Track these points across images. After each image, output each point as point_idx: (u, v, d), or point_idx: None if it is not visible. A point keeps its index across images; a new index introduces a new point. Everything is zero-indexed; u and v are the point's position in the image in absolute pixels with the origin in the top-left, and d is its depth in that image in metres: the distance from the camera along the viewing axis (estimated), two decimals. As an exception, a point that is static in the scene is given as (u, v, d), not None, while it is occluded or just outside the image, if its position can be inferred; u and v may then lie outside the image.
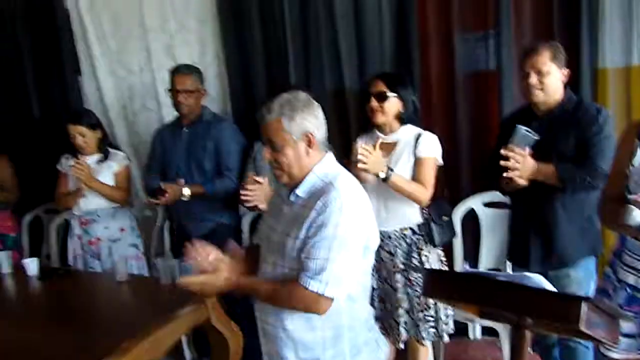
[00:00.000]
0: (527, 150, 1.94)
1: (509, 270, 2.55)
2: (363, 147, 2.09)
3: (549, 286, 1.30)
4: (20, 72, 3.75)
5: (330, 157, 1.60)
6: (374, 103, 2.26)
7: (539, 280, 1.31)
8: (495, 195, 2.58)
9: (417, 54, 2.76)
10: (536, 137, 1.94)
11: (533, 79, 2.03)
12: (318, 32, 2.90)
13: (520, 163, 1.93)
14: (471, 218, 2.76)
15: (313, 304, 1.45)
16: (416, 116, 2.36)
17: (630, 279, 1.64)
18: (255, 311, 1.67)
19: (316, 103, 1.57)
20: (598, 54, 2.46)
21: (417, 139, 2.26)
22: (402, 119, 2.30)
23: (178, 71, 2.77)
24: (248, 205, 2.31)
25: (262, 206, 2.28)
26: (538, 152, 2.00)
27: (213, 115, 2.83)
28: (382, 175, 2.11)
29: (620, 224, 1.52)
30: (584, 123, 2.00)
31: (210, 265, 1.59)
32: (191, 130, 2.78)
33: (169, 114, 3.24)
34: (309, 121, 1.52)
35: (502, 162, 1.95)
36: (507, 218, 2.57)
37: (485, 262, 2.73)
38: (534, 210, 2.12)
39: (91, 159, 2.94)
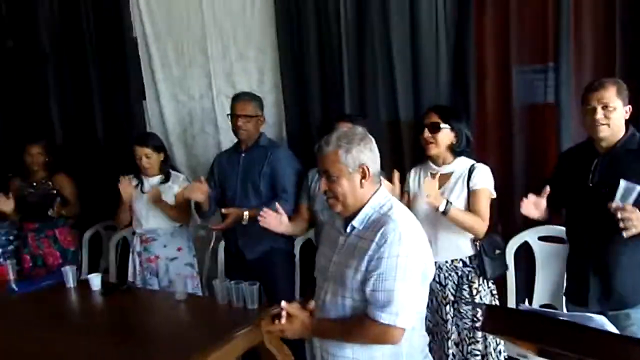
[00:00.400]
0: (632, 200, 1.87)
1: (564, 308, 2.51)
2: (429, 181, 2.15)
3: (611, 328, 1.28)
4: (89, 96, 3.99)
5: (383, 189, 1.66)
6: (427, 134, 2.31)
7: (601, 321, 1.30)
8: (551, 229, 2.56)
9: (473, 86, 2.78)
10: (639, 188, 1.86)
11: (599, 114, 2.00)
12: (374, 63, 2.97)
13: (634, 218, 1.84)
14: (525, 252, 2.72)
15: (386, 336, 1.50)
16: (469, 148, 2.39)
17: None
18: (313, 340, 1.71)
19: (371, 137, 1.64)
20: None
21: (470, 171, 2.29)
22: (455, 151, 2.34)
23: (239, 98, 2.89)
24: (262, 224, 2.46)
25: (279, 230, 2.51)
26: (598, 190, 1.98)
27: (269, 141, 2.93)
28: (442, 208, 2.14)
29: None
30: None
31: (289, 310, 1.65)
32: (248, 155, 2.88)
33: (226, 139, 3.38)
34: (365, 154, 1.58)
35: (620, 223, 1.86)
36: (562, 253, 2.55)
37: (539, 298, 2.68)
38: (594, 248, 2.08)
39: (153, 180, 3.09)
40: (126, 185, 3.04)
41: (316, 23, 3.10)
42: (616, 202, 1.84)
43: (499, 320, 1.39)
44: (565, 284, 2.46)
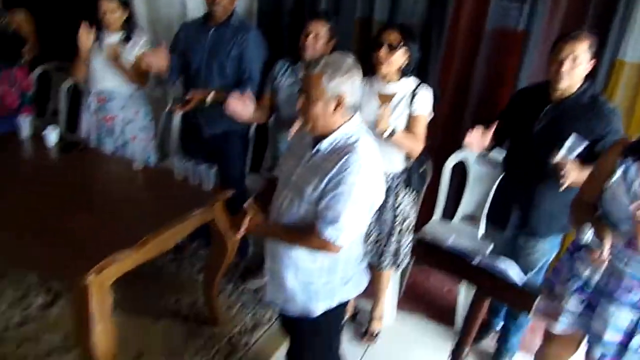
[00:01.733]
0: (575, 154, 2.01)
1: (482, 224, 2.86)
2: (385, 110, 2.22)
3: (513, 276, 1.56)
4: None
5: (356, 119, 1.76)
6: (384, 52, 2.29)
7: (506, 268, 1.57)
8: (490, 153, 2.77)
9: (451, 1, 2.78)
10: (585, 144, 1.99)
11: (566, 65, 2.06)
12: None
13: (573, 172, 1.99)
14: (461, 169, 2.98)
15: (325, 249, 1.70)
16: (415, 69, 2.40)
17: (583, 271, 1.91)
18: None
19: (358, 70, 1.70)
20: (620, 47, 2.52)
21: (413, 94, 2.35)
22: (403, 72, 2.37)
23: None
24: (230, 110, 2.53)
25: (243, 118, 2.57)
26: (542, 138, 2.16)
27: (240, 22, 2.85)
28: (388, 132, 2.25)
29: (576, 228, 1.74)
30: (595, 119, 2.08)
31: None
32: (217, 32, 2.82)
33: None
34: (346, 85, 1.66)
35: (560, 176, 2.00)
36: (493, 175, 2.83)
37: (463, 210, 3.01)
38: (524, 183, 2.29)
39: (114, 38, 2.99)
40: (85, 36, 2.91)
41: None
42: (561, 154, 2.00)
43: (427, 254, 1.65)
44: (488, 205, 2.78)
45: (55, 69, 4.13)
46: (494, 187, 2.69)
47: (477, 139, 2.28)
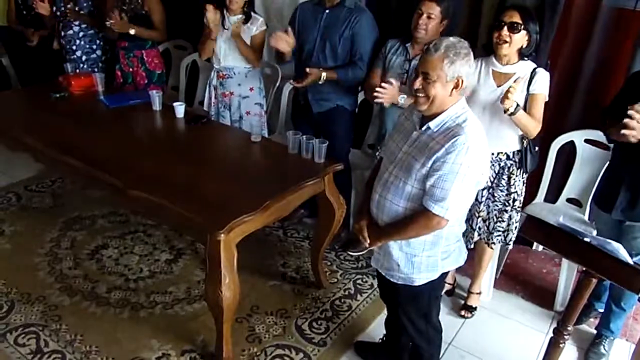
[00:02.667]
0: None
1: (588, 207, 2.83)
2: (513, 87, 2.24)
3: (624, 255, 1.60)
4: None
5: (462, 100, 1.85)
6: (505, 32, 2.32)
7: (617, 248, 1.61)
8: (599, 135, 2.73)
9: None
10: None
11: None
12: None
13: None
14: (569, 151, 2.95)
15: (433, 223, 1.82)
16: (535, 52, 2.42)
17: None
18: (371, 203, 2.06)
19: (472, 54, 1.79)
20: None
21: (532, 75, 2.38)
22: (522, 54, 2.39)
23: None
24: (377, 101, 2.63)
25: (386, 104, 2.64)
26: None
27: (355, 4, 2.96)
28: (512, 109, 2.28)
29: None
30: None
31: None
32: (332, 13, 2.96)
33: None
34: (464, 68, 1.76)
35: (625, 120, 2.02)
36: (601, 158, 2.78)
37: (568, 192, 2.99)
38: (635, 165, 2.26)
39: (235, 18, 3.22)
40: (213, 15, 3.13)
41: None
42: (637, 106, 1.96)
43: (536, 230, 1.72)
44: (595, 188, 2.75)
45: (175, 47, 4.49)
46: (602, 170, 2.66)
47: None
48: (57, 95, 3.33)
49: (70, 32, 3.97)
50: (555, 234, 1.69)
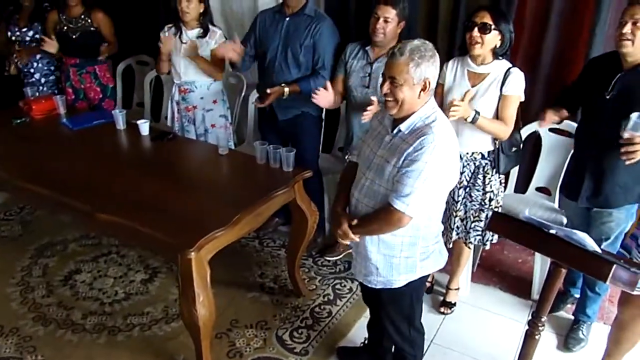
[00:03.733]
0: None
1: (557, 195, 2.87)
2: (455, 104, 2.26)
3: (591, 244, 1.62)
4: None
5: (432, 101, 1.87)
6: (476, 33, 2.32)
7: (583, 237, 1.63)
8: (563, 124, 2.77)
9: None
10: None
11: (626, 28, 2.06)
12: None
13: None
14: (535, 141, 2.99)
15: (394, 218, 1.82)
16: (509, 51, 2.44)
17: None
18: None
19: (437, 55, 1.80)
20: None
21: (505, 75, 2.38)
22: (496, 54, 2.40)
23: None
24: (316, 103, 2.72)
25: (326, 106, 2.75)
26: (614, 107, 2.15)
27: (315, 11, 2.96)
28: (470, 119, 2.31)
29: None
30: None
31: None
32: (292, 20, 2.95)
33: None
34: (430, 70, 1.78)
35: (622, 150, 2.02)
36: (567, 146, 2.82)
37: (537, 182, 3.03)
38: (596, 152, 2.29)
39: (192, 33, 3.20)
40: (167, 41, 3.16)
41: None
42: (627, 132, 2.00)
43: (503, 225, 1.74)
44: (562, 176, 2.79)
45: (137, 63, 4.43)
46: (568, 158, 2.70)
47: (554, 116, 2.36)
48: (18, 121, 3.26)
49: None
50: (521, 227, 1.71)
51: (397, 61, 1.76)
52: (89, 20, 3.64)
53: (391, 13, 2.64)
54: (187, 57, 3.14)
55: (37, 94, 3.75)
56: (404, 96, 1.79)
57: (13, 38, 3.88)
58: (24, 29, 3.87)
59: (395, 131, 1.86)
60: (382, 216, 1.85)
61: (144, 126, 3.05)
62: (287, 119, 3.13)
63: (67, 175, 2.63)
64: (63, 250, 3.39)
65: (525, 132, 2.96)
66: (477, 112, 2.33)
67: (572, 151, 2.59)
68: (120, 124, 3.14)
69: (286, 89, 2.93)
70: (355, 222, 1.94)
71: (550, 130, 2.92)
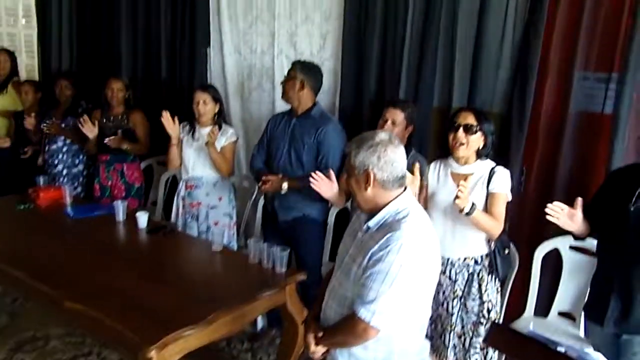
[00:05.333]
0: None
1: (582, 320, 2.55)
2: (463, 185, 2.14)
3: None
4: (157, 38, 4.15)
5: (406, 195, 1.70)
6: (461, 134, 2.29)
7: (597, 358, 1.36)
8: (584, 242, 2.54)
9: (532, 86, 2.72)
10: None
11: None
12: (436, 47, 2.95)
13: None
14: (554, 259, 2.74)
15: (359, 330, 1.58)
16: (491, 151, 2.38)
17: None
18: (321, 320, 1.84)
19: (393, 144, 1.66)
20: None
21: (491, 174, 2.31)
22: (479, 154, 2.34)
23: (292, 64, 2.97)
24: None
25: (327, 196, 2.55)
26: (637, 215, 1.97)
27: (321, 113, 2.96)
28: (467, 209, 2.17)
29: None
30: None
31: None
32: (299, 122, 2.95)
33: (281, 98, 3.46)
34: (371, 160, 1.63)
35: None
36: (591, 265, 2.55)
37: (559, 306, 2.72)
38: (621, 270, 2.07)
39: (205, 130, 3.22)
40: (169, 121, 3.18)
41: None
42: None
43: (504, 340, 1.48)
44: (586, 297, 2.50)
45: (158, 163, 4.49)
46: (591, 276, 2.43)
47: (566, 215, 2.11)
48: (22, 207, 3.25)
49: (54, 146, 4.03)
50: (525, 344, 1.45)
51: (345, 151, 1.71)
52: (127, 120, 3.72)
53: (399, 116, 2.61)
54: (206, 143, 3.12)
55: (56, 184, 3.78)
56: (352, 189, 1.69)
57: (44, 129, 3.98)
58: (57, 121, 4.00)
59: (364, 227, 1.70)
60: (347, 326, 1.62)
61: (142, 218, 2.97)
62: (287, 220, 3.00)
63: (49, 262, 2.53)
64: (44, 346, 3.17)
65: (544, 248, 2.73)
66: (474, 204, 2.19)
67: (595, 269, 2.34)
68: (120, 215, 3.07)
69: (285, 183, 2.84)
70: (320, 333, 1.72)
71: (571, 248, 2.68)
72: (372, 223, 1.67)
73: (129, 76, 4.20)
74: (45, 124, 3.95)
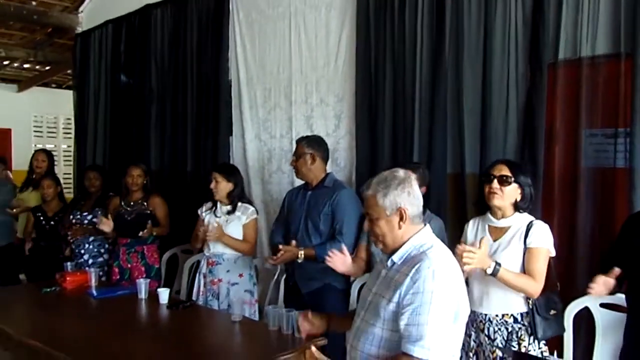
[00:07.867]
0: None
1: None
2: (467, 249, 2.09)
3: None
4: (183, 129, 4.46)
5: (427, 229, 1.73)
6: (496, 185, 2.28)
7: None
8: (614, 297, 2.45)
9: (541, 146, 2.79)
10: None
11: None
12: (444, 116, 3.09)
13: None
14: (586, 318, 2.62)
15: None
16: (531, 205, 2.35)
17: None
18: None
19: (412, 180, 1.73)
20: None
21: (528, 228, 2.26)
22: (517, 207, 2.31)
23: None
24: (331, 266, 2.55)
25: (341, 271, 2.57)
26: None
27: (334, 182, 3.06)
28: (490, 270, 2.13)
29: None
30: None
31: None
32: (313, 194, 3.04)
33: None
34: (402, 198, 1.68)
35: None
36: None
37: (598, 366, 2.55)
38: None
39: (225, 208, 3.34)
40: (204, 226, 3.30)
41: (392, 77, 3.30)
42: None
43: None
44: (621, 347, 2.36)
45: (182, 251, 4.56)
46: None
47: (602, 285, 2.13)
48: (48, 290, 3.30)
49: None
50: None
51: (366, 196, 1.72)
52: (146, 204, 3.88)
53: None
54: (217, 240, 3.21)
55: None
56: (382, 231, 1.70)
57: (73, 220, 4.17)
58: (85, 213, 4.18)
59: (389, 263, 1.71)
60: None
61: (164, 294, 2.99)
62: (310, 292, 2.98)
63: (65, 335, 2.57)
64: None
65: (574, 308, 2.62)
66: (498, 264, 2.13)
67: (626, 324, 2.24)
68: (143, 293, 3.09)
69: (301, 252, 2.87)
70: (309, 313, 1.73)
71: (602, 305, 2.57)
72: (396, 257, 1.69)
73: (157, 167, 4.44)
74: (69, 234, 4.16)
